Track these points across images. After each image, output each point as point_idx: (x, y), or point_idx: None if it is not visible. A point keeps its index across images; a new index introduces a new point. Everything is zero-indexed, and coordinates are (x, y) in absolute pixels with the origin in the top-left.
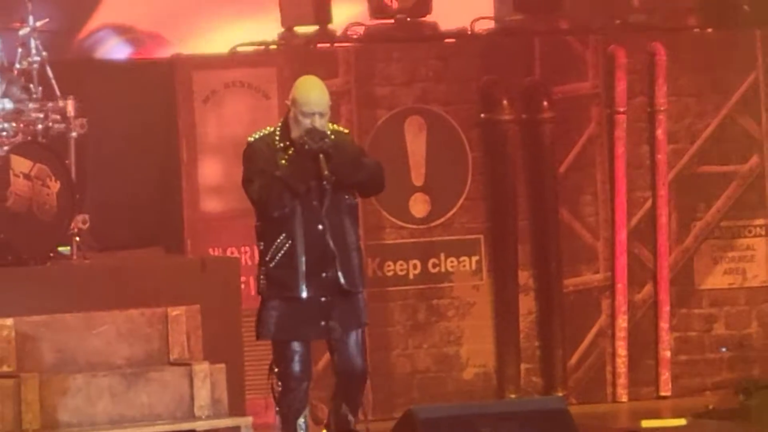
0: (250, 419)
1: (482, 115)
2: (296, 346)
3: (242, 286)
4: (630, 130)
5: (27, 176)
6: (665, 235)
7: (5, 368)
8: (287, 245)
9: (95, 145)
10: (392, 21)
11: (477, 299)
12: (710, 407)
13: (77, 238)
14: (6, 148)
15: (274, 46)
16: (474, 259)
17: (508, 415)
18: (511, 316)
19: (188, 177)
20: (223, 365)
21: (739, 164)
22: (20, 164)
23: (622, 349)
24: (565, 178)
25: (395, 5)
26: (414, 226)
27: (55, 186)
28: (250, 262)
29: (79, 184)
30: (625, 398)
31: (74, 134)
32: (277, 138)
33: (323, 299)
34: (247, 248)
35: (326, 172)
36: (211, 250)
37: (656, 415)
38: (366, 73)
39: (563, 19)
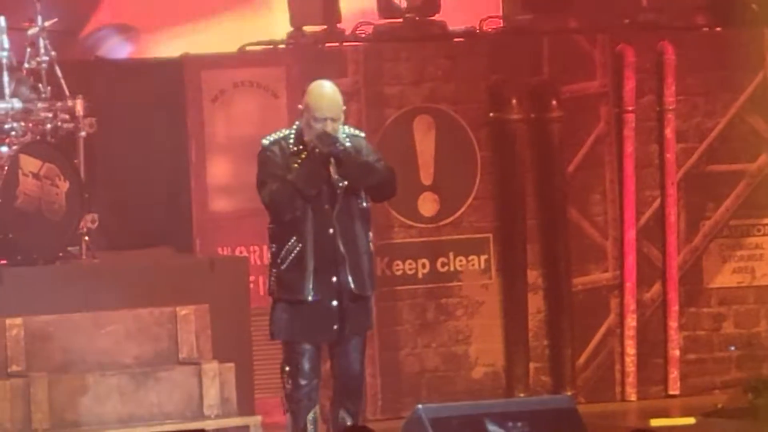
0: (259, 418)
1: (491, 115)
2: (306, 346)
3: (251, 285)
4: (639, 129)
5: (36, 176)
6: (674, 234)
7: (15, 368)
8: (297, 248)
9: (104, 144)
10: (401, 20)
11: (486, 298)
12: (719, 406)
13: (86, 238)
14: (15, 147)
15: (282, 46)
16: (483, 258)
17: (516, 414)
18: (520, 315)
19: (197, 176)
20: (232, 364)
21: (747, 163)
22: (29, 164)
23: (630, 348)
24: (574, 178)
25: (404, 5)
26: (423, 225)
27: (64, 185)
28: (259, 262)
29: (88, 184)
30: (633, 397)
31: (83, 134)
32: (291, 141)
33: (333, 303)
34: (256, 248)
35: (336, 177)
36: (220, 250)
37: (665, 414)
38: (375, 72)
39: (572, 18)
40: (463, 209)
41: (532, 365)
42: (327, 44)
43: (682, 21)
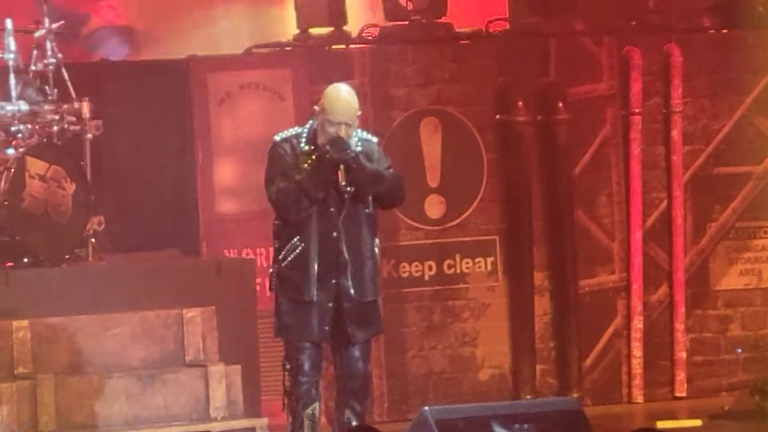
0: (265, 420)
1: (497, 117)
2: (306, 344)
3: (257, 287)
4: (645, 131)
5: (42, 178)
6: (681, 236)
7: (21, 370)
8: (300, 248)
9: (110, 146)
10: (407, 22)
11: (492, 300)
12: (726, 408)
13: (93, 240)
14: (22, 149)
15: (289, 48)
16: (489, 260)
17: (523, 416)
18: (526, 317)
19: (203, 178)
20: (238, 366)
21: (754, 165)
22: (36, 166)
23: (637, 350)
24: (581, 180)
25: (410, 7)
26: (429, 228)
27: (70, 187)
28: (265, 264)
29: (95, 186)
30: (640, 399)
31: (89, 136)
32: (303, 140)
33: (330, 304)
34: (263, 250)
35: (344, 183)
36: (226, 252)
37: (672, 416)
38: (381, 74)
39: (578, 20)
40: (469, 211)
41: (538, 367)
42: (334, 46)
43: (688, 23)
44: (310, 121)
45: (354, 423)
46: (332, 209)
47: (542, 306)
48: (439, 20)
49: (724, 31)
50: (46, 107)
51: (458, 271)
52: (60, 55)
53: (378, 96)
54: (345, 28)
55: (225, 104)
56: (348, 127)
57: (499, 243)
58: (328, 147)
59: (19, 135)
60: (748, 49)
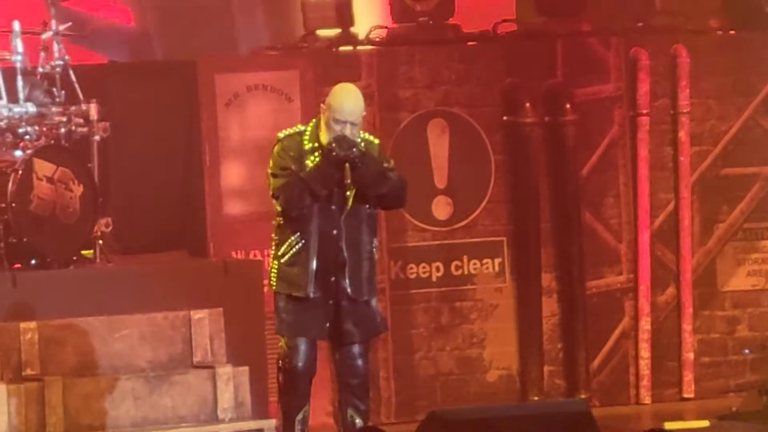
0: (273, 421)
1: (505, 118)
2: (300, 342)
3: (265, 288)
4: (653, 132)
5: (50, 179)
6: (688, 237)
7: (29, 371)
8: (299, 244)
9: (118, 148)
10: (414, 24)
11: (500, 301)
12: (733, 409)
13: (100, 242)
14: (29, 151)
15: (296, 49)
16: (497, 261)
17: (531, 418)
18: (534, 319)
19: (211, 180)
20: (246, 368)
21: (761, 166)
22: (43, 168)
23: (645, 351)
24: (588, 181)
25: (418, 8)
26: (436, 229)
27: (78, 189)
28: None
29: (102, 188)
30: (648, 400)
31: (97, 137)
32: (307, 138)
33: (330, 302)
34: (270, 251)
35: (348, 182)
36: (233, 253)
37: (679, 417)
38: (388, 75)
39: (585, 22)
40: (477, 212)
41: (546, 368)
42: (341, 48)
43: (696, 24)
44: (314, 120)
45: (358, 421)
46: (334, 207)
47: (550, 307)
48: (447, 22)
49: (732, 32)
50: (54, 109)
51: (466, 272)
52: (67, 57)
53: (385, 97)
54: (352, 29)
55: (232, 105)
56: (353, 126)
57: (506, 244)
58: (334, 145)
59: (27, 137)
60: (756, 50)
